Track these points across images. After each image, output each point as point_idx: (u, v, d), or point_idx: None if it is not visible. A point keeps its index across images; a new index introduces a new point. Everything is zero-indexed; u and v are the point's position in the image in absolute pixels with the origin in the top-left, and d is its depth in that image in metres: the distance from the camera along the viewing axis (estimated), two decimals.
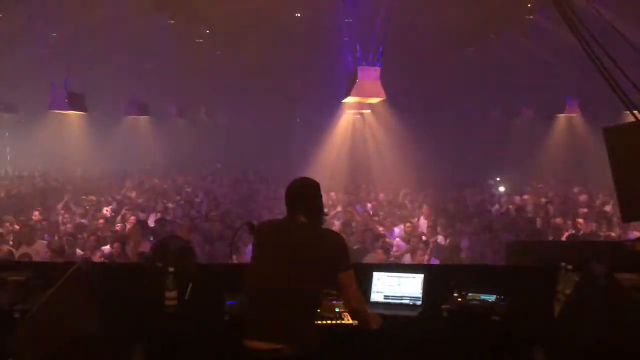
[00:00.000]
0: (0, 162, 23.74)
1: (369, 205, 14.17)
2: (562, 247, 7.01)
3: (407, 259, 8.94)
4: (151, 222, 10.88)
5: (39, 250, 8.63)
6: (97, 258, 8.48)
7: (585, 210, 12.92)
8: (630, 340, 3.16)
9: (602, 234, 10.13)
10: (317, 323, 3.95)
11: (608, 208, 12.75)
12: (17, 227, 10.45)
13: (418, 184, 17.08)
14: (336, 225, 10.72)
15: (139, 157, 23.91)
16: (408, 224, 10.80)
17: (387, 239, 9.61)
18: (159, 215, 11.98)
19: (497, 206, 14.21)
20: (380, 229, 10.75)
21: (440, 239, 10.11)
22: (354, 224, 10.79)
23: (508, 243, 6.28)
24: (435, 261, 8.64)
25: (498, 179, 18.88)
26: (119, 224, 10.92)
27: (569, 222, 11.25)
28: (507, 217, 12.19)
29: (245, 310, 3.78)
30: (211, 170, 22.79)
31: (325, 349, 3.63)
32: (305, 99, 21.51)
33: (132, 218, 11.16)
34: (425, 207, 12.60)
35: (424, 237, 9.83)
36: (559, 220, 11.55)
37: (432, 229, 10.67)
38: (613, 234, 10.01)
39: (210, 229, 10.35)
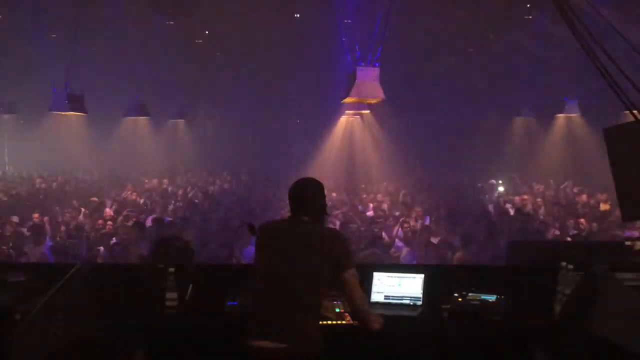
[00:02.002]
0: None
1: (370, 205, 14.18)
2: (563, 246, 7.00)
3: (406, 260, 8.93)
4: (150, 224, 10.86)
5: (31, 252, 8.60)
6: (97, 259, 8.46)
7: (584, 209, 12.93)
8: (631, 340, 3.16)
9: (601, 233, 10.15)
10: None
11: (606, 207, 12.77)
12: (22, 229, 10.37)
13: (417, 185, 17.08)
14: (336, 226, 10.69)
15: (139, 159, 23.90)
16: (406, 225, 10.79)
17: (387, 240, 9.63)
18: (158, 216, 11.96)
19: (495, 206, 14.18)
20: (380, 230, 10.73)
21: (437, 239, 10.08)
22: (354, 226, 10.77)
23: (508, 243, 6.28)
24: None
25: (499, 181, 18.83)
26: (119, 225, 10.89)
27: (569, 222, 11.24)
28: (506, 217, 12.16)
29: (249, 310, 3.78)
30: (211, 171, 22.77)
31: (325, 349, 3.63)
32: (304, 100, 21.49)
33: (133, 219, 11.14)
34: (419, 209, 12.61)
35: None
36: (556, 220, 11.55)
37: (428, 229, 10.65)
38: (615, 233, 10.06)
39: (210, 229, 10.35)
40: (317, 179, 3.98)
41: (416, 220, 11.71)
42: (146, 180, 19.45)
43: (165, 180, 19.45)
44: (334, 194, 14.55)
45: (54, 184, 18.81)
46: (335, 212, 12.14)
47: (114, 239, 9.60)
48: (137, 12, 13.21)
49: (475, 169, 20.34)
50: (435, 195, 15.29)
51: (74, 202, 13.96)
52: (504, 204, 14.48)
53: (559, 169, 19.42)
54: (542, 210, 13.28)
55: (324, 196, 3.89)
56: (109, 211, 12.82)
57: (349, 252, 3.73)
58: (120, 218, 11.51)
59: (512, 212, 12.81)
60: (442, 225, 11.09)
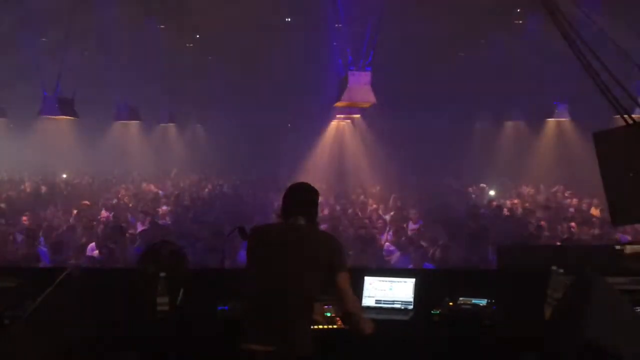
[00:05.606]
0: None
1: (359, 211, 14.15)
2: (553, 251, 7.02)
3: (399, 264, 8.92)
4: (142, 227, 10.82)
5: None
6: (87, 263, 8.39)
7: (574, 213, 12.99)
8: (621, 344, 3.17)
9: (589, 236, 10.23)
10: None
11: (596, 212, 12.85)
12: None
13: (408, 189, 17.09)
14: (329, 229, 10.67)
15: (130, 163, 23.84)
16: (399, 229, 10.79)
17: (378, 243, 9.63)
18: (149, 220, 11.90)
19: (486, 211, 14.19)
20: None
21: (427, 243, 10.08)
22: (341, 228, 10.76)
23: (499, 247, 6.28)
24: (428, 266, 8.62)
25: (484, 185, 18.85)
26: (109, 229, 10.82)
27: (559, 226, 11.28)
28: (497, 221, 12.19)
29: (241, 313, 3.77)
30: (202, 176, 22.73)
31: (316, 354, 3.62)
32: (296, 104, 21.51)
33: (125, 223, 11.08)
34: (413, 212, 12.59)
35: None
36: (546, 224, 11.59)
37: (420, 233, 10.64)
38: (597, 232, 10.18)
39: (200, 234, 10.29)
40: (308, 182, 4.00)
41: (408, 224, 11.72)
42: (143, 184, 19.38)
43: (156, 185, 19.39)
44: (321, 199, 14.46)
45: (44, 187, 18.68)
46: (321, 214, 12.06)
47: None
48: (128, 16, 13.19)
49: (465, 173, 20.41)
50: (426, 198, 15.31)
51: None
52: (495, 207, 14.48)
53: (549, 173, 19.49)
54: (538, 214, 13.30)
55: (318, 204, 3.91)
56: (104, 213, 12.80)
57: (342, 253, 3.72)
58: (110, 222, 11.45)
59: (503, 214, 12.86)
60: (433, 228, 11.09)
